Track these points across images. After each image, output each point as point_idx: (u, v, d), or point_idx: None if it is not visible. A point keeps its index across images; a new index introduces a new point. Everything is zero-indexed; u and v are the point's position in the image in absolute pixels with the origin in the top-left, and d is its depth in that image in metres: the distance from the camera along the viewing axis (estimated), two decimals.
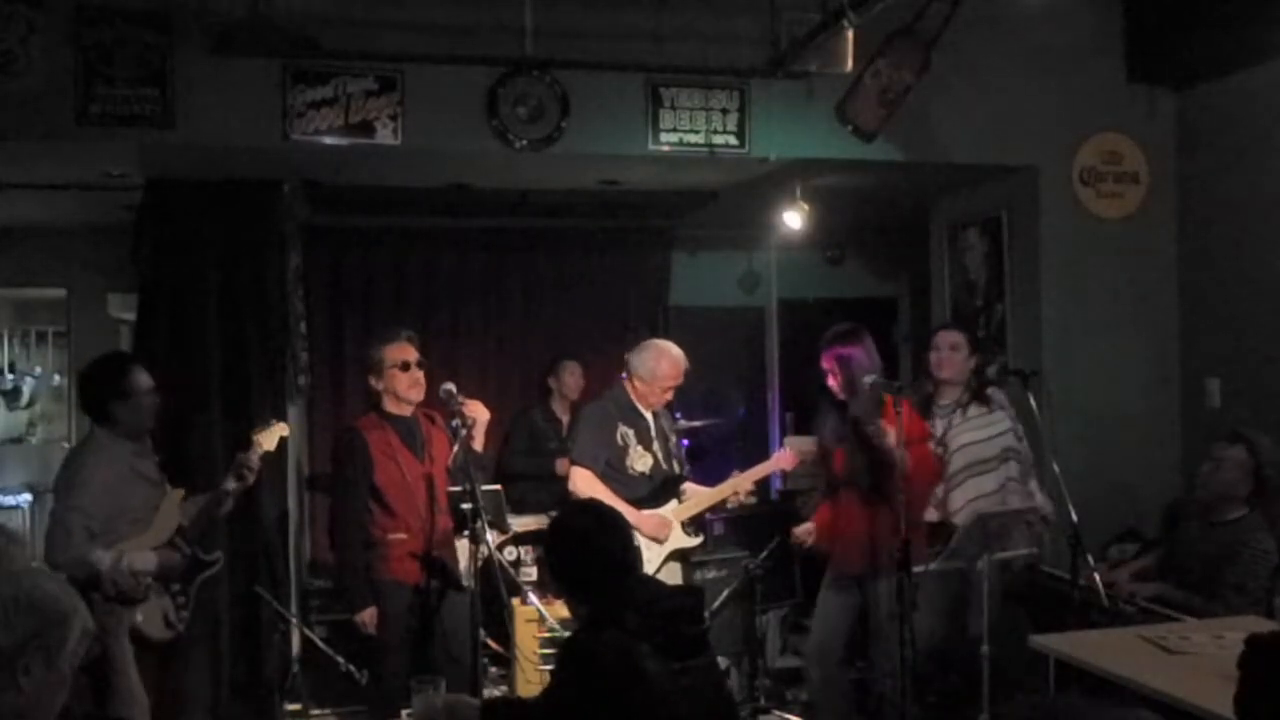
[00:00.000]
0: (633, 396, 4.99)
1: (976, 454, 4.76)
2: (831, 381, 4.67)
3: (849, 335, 4.69)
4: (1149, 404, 5.76)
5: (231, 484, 4.38)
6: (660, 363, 4.92)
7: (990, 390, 4.87)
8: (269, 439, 4.53)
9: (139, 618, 4.12)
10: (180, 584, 4.27)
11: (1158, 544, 5.08)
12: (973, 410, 4.81)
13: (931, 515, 4.71)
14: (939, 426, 4.82)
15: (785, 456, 5.17)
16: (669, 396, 5.03)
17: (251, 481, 4.46)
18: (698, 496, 5.11)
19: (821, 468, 4.91)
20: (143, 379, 4.26)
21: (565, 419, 6.44)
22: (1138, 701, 3.13)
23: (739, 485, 5.08)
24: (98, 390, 4.23)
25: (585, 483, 4.84)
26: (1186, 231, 5.77)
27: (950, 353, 4.85)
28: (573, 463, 4.94)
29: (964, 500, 4.72)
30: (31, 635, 1.93)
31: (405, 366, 4.57)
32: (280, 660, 5.58)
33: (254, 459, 4.42)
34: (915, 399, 4.85)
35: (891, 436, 4.42)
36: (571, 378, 6.53)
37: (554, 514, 4.50)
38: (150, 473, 4.30)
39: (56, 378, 9.18)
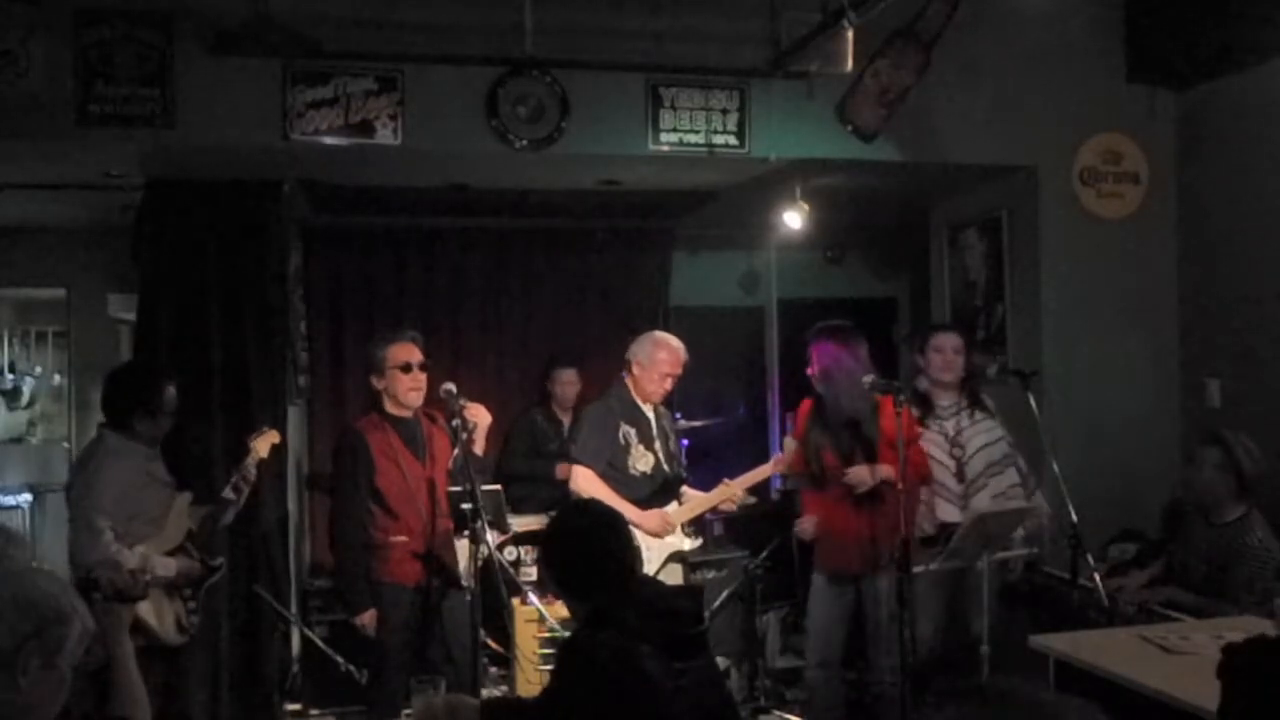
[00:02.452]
0: (633, 393, 4.99)
1: (991, 455, 4.82)
2: (809, 370, 4.77)
3: (834, 333, 4.74)
4: (1149, 404, 5.76)
5: (230, 495, 4.43)
6: (659, 350, 4.94)
7: (982, 395, 4.93)
8: (262, 445, 4.56)
9: (154, 622, 4.14)
10: (191, 589, 4.30)
11: (1158, 545, 5.08)
12: (979, 414, 4.87)
13: (954, 515, 4.68)
14: (948, 428, 4.84)
15: (781, 460, 5.17)
16: (668, 386, 5.02)
17: (248, 491, 4.51)
18: (694, 500, 5.11)
19: (801, 460, 4.89)
20: (172, 395, 4.28)
21: (566, 421, 6.44)
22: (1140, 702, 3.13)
23: (732, 491, 5.08)
24: (124, 400, 4.23)
25: (586, 481, 4.84)
26: (1186, 231, 5.77)
27: (954, 356, 4.87)
28: (574, 461, 4.94)
29: (990, 498, 4.74)
30: (30, 635, 1.94)
31: (407, 368, 4.55)
32: (280, 660, 5.59)
33: (250, 470, 4.46)
34: (911, 400, 4.84)
35: (864, 475, 4.55)
36: (567, 385, 6.50)
37: (554, 514, 4.50)
38: (162, 475, 4.32)
39: (56, 378, 9.18)
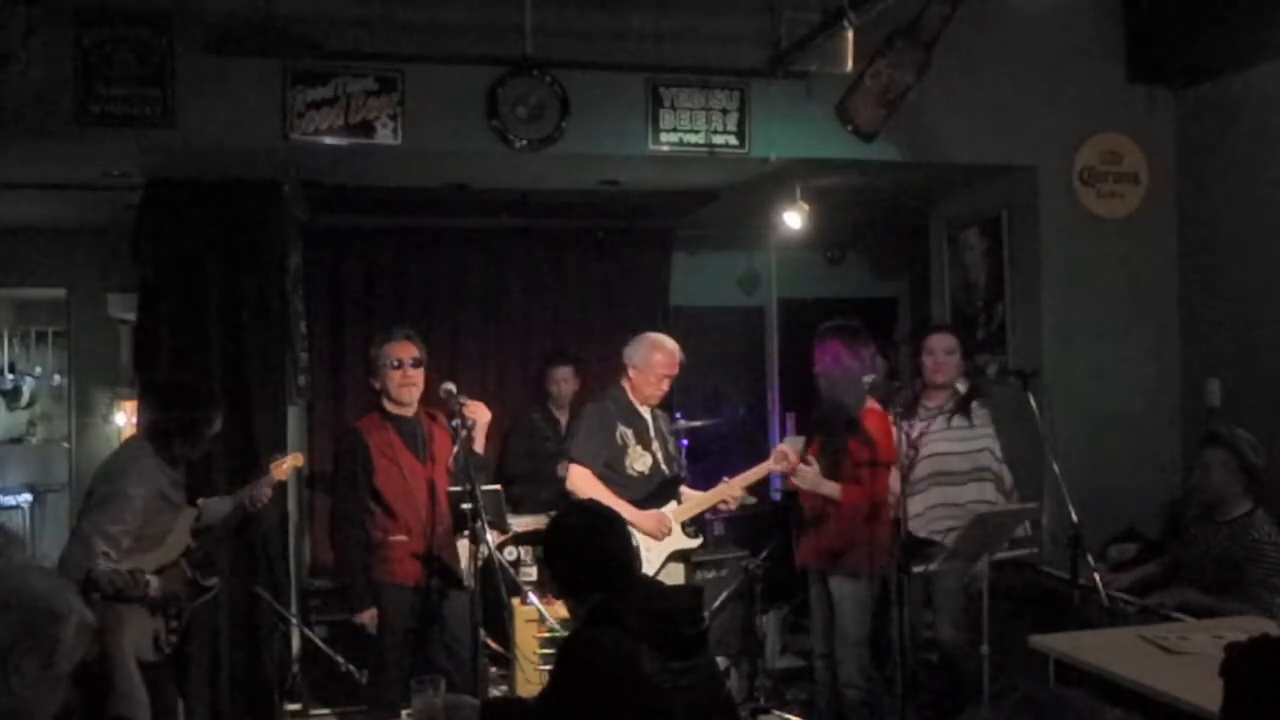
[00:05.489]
0: (630, 395, 5.00)
1: (944, 464, 4.73)
2: (815, 368, 4.78)
3: (841, 332, 4.74)
4: (1149, 404, 5.76)
5: (246, 501, 4.45)
6: (655, 352, 4.94)
7: (975, 403, 4.83)
8: (281, 470, 4.59)
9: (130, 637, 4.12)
10: (175, 608, 4.28)
11: (1159, 546, 5.08)
12: (956, 421, 4.78)
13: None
14: (916, 427, 4.78)
15: (779, 458, 5.17)
16: (664, 388, 5.02)
17: (258, 509, 4.53)
18: (692, 499, 5.11)
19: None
20: (216, 425, 4.28)
21: (563, 420, 6.43)
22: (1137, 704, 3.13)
23: (732, 489, 5.10)
24: (172, 422, 4.22)
25: (583, 481, 4.84)
26: (1186, 231, 5.77)
27: (945, 357, 4.83)
28: (571, 461, 4.94)
29: (923, 507, 4.68)
30: (21, 636, 1.90)
31: (398, 365, 4.56)
32: (280, 660, 5.58)
33: (265, 491, 4.48)
34: (902, 400, 4.84)
35: (810, 477, 4.59)
36: (563, 383, 6.50)
37: (554, 514, 4.50)
38: (177, 498, 4.31)
39: (56, 378, 9.20)
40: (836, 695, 4.78)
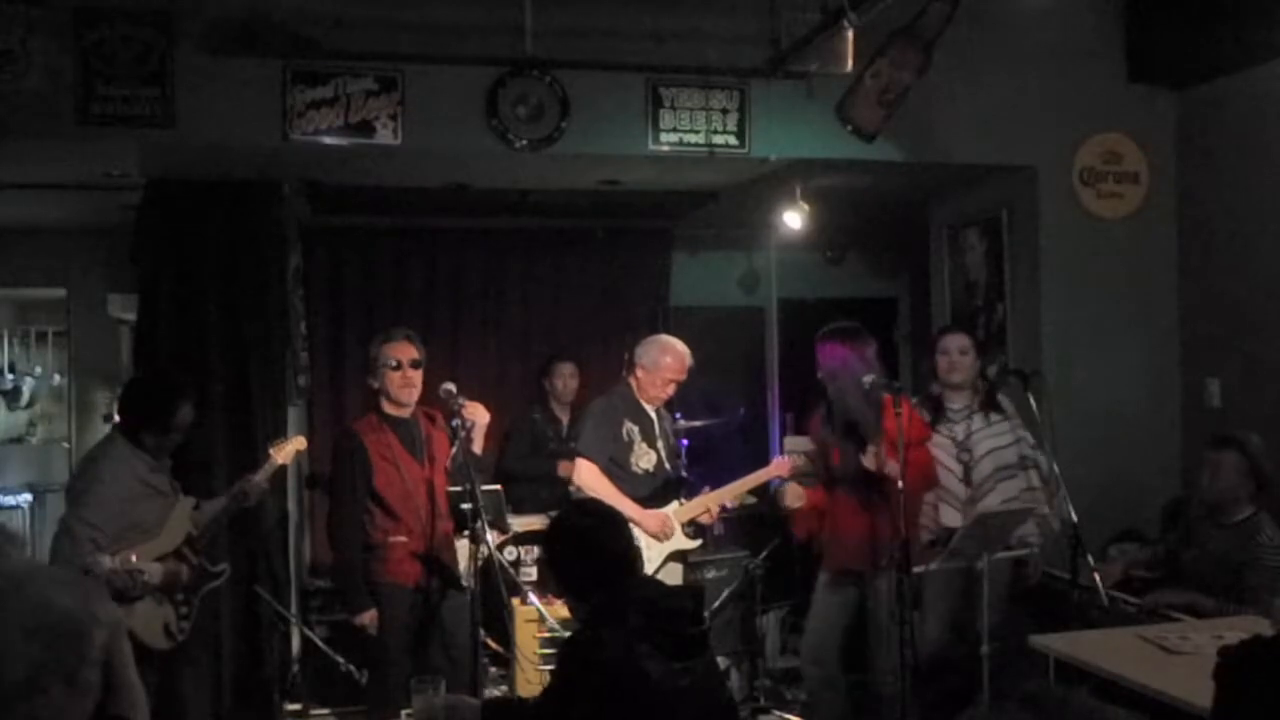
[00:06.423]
0: (636, 392, 5.01)
1: (1002, 459, 4.74)
2: (818, 371, 4.75)
3: (841, 334, 4.73)
4: (1149, 404, 5.76)
5: (246, 485, 4.45)
6: (664, 355, 4.96)
7: (1000, 397, 4.86)
8: (282, 454, 4.58)
9: (137, 627, 4.11)
10: (184, 594, 4.27)
11: (1159, 544, 5.07)
12: (993, 416, 4.79)
13: (956, 520, 4.65)
14: (958, 431, 4.79)
15: (781, 464, 5.17)
16: (670, 391, 5.03)
17: (262, 489, 4.52)
18: (696, 500, 5.11)
19: (819, 460, 4.91)
20: (185, 415, 4.25)
21: (565, 419, 6.43)
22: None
23: (730, 493, 5.09)
24: (137, 413, 4.22)
25: (589, 474, 4.85)
26: (1186, 231, 5.77)
27: (960, 357, 4.83)
28: (577, 454, 4.95)
29: (999, 503, 4.67)
30: (47, 660, 1.83)
31: (397, 365, 4.54)
32: (280, 660, 5.59)
33: (266, 471, 4.47)
34: (923, 403, 4.84)
35: (882, 458, 4.47)
36: (567, 379, 6.50)
37: (555, 514, 4.51)
38: (162, 485, 4.30)
39: (56, 378, 9.19)
40: (863, 694, 4.77)
